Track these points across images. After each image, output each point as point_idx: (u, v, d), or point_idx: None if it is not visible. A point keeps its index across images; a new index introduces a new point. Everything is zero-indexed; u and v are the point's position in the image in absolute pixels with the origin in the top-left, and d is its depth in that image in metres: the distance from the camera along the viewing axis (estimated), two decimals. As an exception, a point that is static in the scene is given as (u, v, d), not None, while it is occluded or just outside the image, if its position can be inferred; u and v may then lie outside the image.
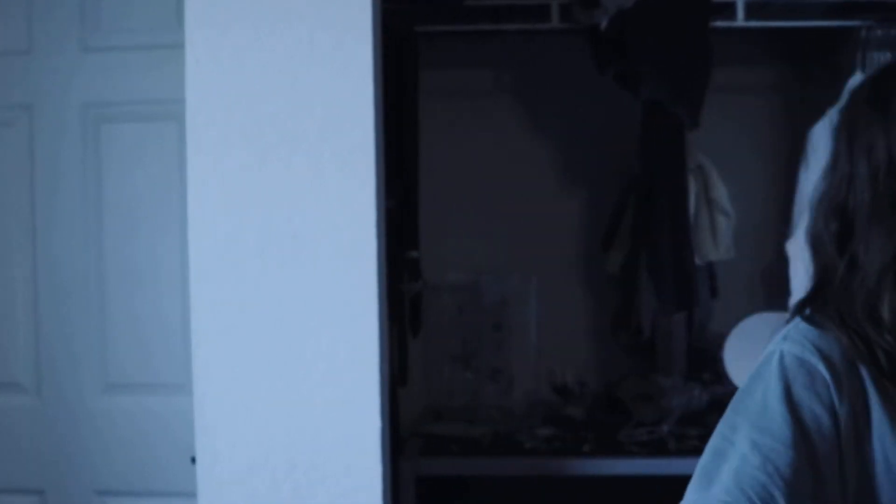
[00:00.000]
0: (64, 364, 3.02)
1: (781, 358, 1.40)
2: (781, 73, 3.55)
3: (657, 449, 2.97)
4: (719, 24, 3.13)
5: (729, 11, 3.15)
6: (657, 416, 3.11)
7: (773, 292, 3.45)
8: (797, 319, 1.44)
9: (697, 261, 3.29)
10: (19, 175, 3.03)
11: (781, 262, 3.37)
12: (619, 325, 3.49)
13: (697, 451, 2.98)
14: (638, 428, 3.07)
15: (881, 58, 3.12)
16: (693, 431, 3.03)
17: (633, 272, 3.34)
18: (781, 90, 3.55)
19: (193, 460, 2.48)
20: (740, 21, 3.15)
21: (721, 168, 3.40)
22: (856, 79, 3.11)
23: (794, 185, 3.32)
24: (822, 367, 1.36)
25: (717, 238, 3.39)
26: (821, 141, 3.21)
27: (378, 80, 2.42)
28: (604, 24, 3.05)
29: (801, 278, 3.29)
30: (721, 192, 3.38)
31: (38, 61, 3.00)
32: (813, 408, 1.35)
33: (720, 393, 3.19)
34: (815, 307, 1.45)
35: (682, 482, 3.24)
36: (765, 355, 1.44)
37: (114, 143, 3.00)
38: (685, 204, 3.18)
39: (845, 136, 1.45)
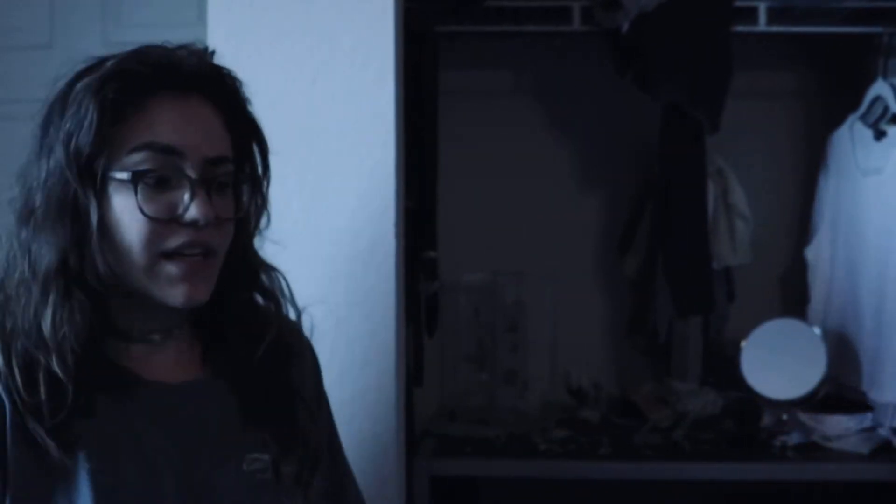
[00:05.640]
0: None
1: None
2: (802, 79, 3.54)
3: (672, 453, 2.96)
4: (740, 28, 3.12)
5: (750, 16, 3.13)
6: (672, 421, 3.10)
7: (790, 298, 3.45)
8: None
9: (714, 265, 3.28)
10: (38, 169, 3.04)
11: (800, 268, 3.36)
12: (635, 328, 3.49)
13: (712, 456, 3.01)
14: (653, 432, 3.06)
15: (903, 65, 3.12)
16: (708, 436, 3.02)
17: (650, 275, 3.33)
18: (802, 95, 3.54)
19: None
20: (762, 26, 3.13)
21: (740, 172, 3.39)
22: (877, 85, 3.10)
23: (814, 191, 3.32)
24: None
25: (735, 242, 3.38)
26: (841, 147, 3.20)
27: (399, 80, 2.41)
28: (625, 26, 3.04)
29: (820, 285, 3.29)
30: (740, 197, 3.37)
31: (59, 56, 2.99)
32: None
33: (736, 398, 3.18)
34: None
35: (696, 486, 3.24)
36: None
37: (133, 139, 3.00)
38: (703, 208, 3.17)
39: (39, 133, 1.39)
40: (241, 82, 1.46)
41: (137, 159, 1.32)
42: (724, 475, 2.94)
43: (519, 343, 3.43)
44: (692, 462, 2.92)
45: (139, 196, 1.31)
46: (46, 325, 1.29)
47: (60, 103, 1.37)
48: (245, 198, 1.43)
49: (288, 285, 1.56)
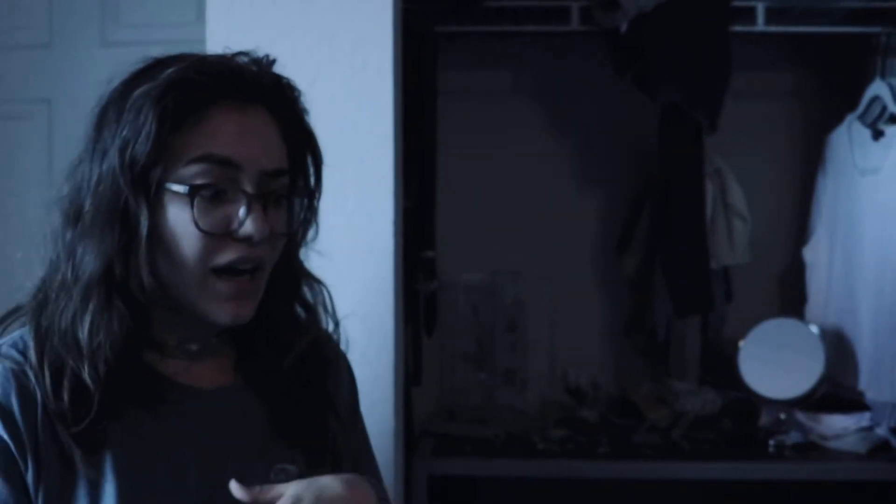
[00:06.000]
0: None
1: None
2: (800, 79, 3.54)
3: (670, 452, 2.96)
4: (739, 28, 3.12)
5: (749, 16, 3.14)
6: (670, 420, 3.11)
7: (788, 298, 3.45)
8: None
9: (713, 265, 3.29)
10: (37, 169, 3.04)
11: (798, 268, 3.37)
12: (633, 327, 3.49)
13: (710, 455, 3.02)
14: (651, 431, 3.06)
15: (901, 65, 3.13)
16: (706, 435, 3.03)
17: (649, 275, 3.34)
18: (800, 95, 3.54)
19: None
20: (760, 26, 3.14)
21: (738, 172, 3.39)
22: (875, 85, 3.10)
23: (812, 191, 3.32)
24: None
25: (733, 242, 3.38)
26: (839, 147, 3.21)
27: (398, 80, 2.42)
28: (623, 26, 3.05)
29: (818, 285, 3.29)
30: (738, 197, 3.37)
31: (58, 56, 3.01)
32: None
33: (733, 397, 3.19)
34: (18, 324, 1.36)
35: (695, 486, 3.24)
36: None
37: (132, 139, 3.00)
38: (702, 208, 3.17)
39: (92, 133, 1.36)
40: (299, 92, 1.44)
41: (194, 171, 1.29)
42: (723, 474, 2.94)
43: (517, 343, 3.44)
44: (691, 461, 2.92)
45: (195, 210, 1.28)
46: (83, 332, 1.28)
47: (116, 106, 1.33)
48: (298, 211, 1.40)
49: (330, 297, 1.53)
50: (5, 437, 1.27)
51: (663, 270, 3.20)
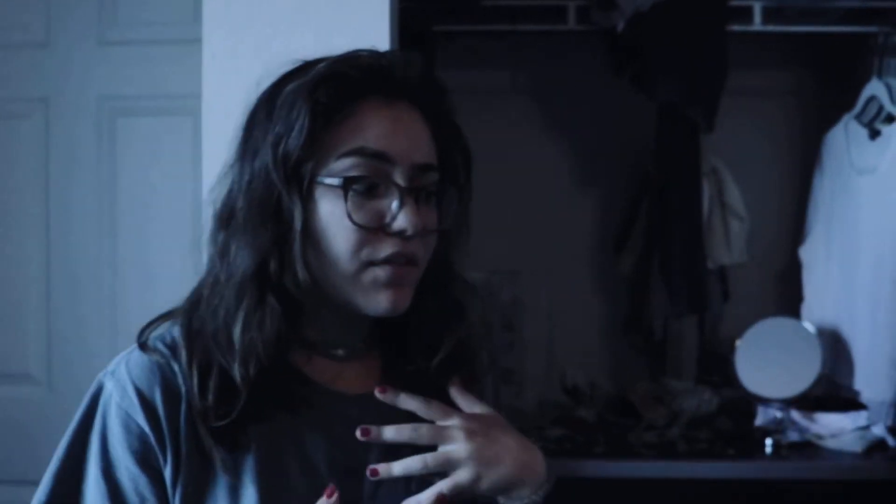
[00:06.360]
0: (76, 356, 3.03)
1: (105, 403, 1.30)
2: (798, 78, 3.54)
3: (667, 451, 2.97)
4: (736, 28, 3.13)
5: (746, 15, 3.14)
6: (667, 419, 3.11)
7: (785, 297, 3.45)
8: (131, 346, 1.34)
9: (709, 264, 3.29)
10: (34, 168, 3.04)
11: (794, 267, 3.37)
12: (630, 327, 3.50)
13: (707, 455, 3.01)
14: (648, 430, 3.07)
15: (898, 64, 3.13)
16: (703, 434, 3.03)
17: (645, 274, 3.34)
18: (797, 95, 3.54)
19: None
20: (757, 25, 3.15)
21: (735, 172, 3.39)
22: (872, 85, 3.10)
23: (809, 190, 3.32)
24: (140, 417, 1.27)
25: (730, 242, 3.38)
26: (836, 146, 3.21)
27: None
28: (620, 26, 3.05)
29: (815, 284, 3.30)
30: (735, 196, 3.37)
31: (56, 54, 3.01)
32: (130, 467, 1.27)
33: (730, 396, 3.19)
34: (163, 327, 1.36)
35: (691, 485, 3.24)
36: (90, 389, 1.33)
37: (129, 137, 3.00)
38: (698, 207, 3.18)
39: (241, 136, 1.35)
40: (447, 91, 1.42)
41: (346, 165, 1.27)
42: (720, 473, 2.94)
43: (515, 342, 3.44)
44: (688, 460, 2.92)
45: (349, 203, 1.27)
46: (236, 329, 1.27)
47: (266, 106, 1.32)
48: (448, 208, 1.38)
49: (482, 301, 1.51)
50: (147, 429, 1.27)
51: (660, 270, 3.20)
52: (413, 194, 1.31)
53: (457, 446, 1.30)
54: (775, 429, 3.02)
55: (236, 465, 1.28)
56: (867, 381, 3.05)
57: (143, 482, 1.27)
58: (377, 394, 1.32)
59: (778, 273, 3.53)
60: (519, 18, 3.21)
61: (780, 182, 3.56)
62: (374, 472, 1.28)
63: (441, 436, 1.30)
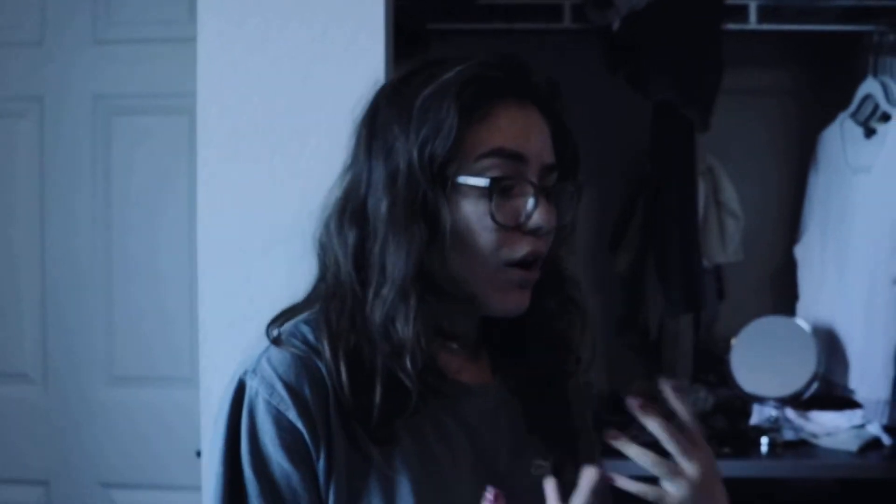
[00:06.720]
0: (71, 356, 3.03)
1: (251, 401, 1.30)
2: (793, 77, 3.54)
3: (662, 450, 2.96)
4: (731, 26, 3.13)
5: (741, 14, 3.14)
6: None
7: (780, 296, 3.45)
8: (266, 344, 1.35)
9: (705, 263, 3.29)
10: (29, 166, 3.04)
11: (790, 266, 3.37)
12: (626, 325, 3.49)
13: (703, 454, 2.96)
14: (643, 429, 3.06)
15: (894, 62, 3.12)
16: (698, 433, 3.03)
17: (641, 273, 3.34)
18: (793, 93, 3.54)
19: (199, 454, 2.49)
20: (753, 24, 3.15)
21: (731, 170, 3.39)
22: (867, 83, 3.11)
23: (804, 189, 3.32)
24: (292, 413, 1.28)
25: (726, 240, 3.38)
26: (831, 145, 3.21)
27: (390, 77, 2.41)
28: (616, 24, 3.05)
29: (810, 283, 3.30)
30: (730, 195, 3.37)
31: (51, 53, 3.01)
32: (282, 464, 1.28)
33: (726, 395, 3.19)
34: (293, 322, 1.38)
35: (686, 484, 3.19)
36: (230, 390, 1.33)
37: (124, 136, 3.00)
38: (694, 206, 3.18)
39: (364, 135, 1.38)
40: (561, 93, 1.45)
41: (486, 165, 1.31)
42: (715, 472, 2.94)
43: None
44: (682, 459, 2.92)
45: (493, 203, 1.30)
46: (404, 328, 1.29)
47: (394, 107, 1.35)
48: (567, 206, 1.41)
49: (584, 298, 1.53)
50: (299, 425, 1.27)
51: (656, 269, 3.20)
52: (543, 193, 1.34)
53: (677, 492, 1.35)
54: (771, 427, 3.02)
55: (389, 458, 1.30)
56: (862, 380, 3.06)
57: (295, 478, 1.27)
58: (610, 440, 1.37)
59: (773, 272, 3.53)
60: (514, 17, 3.21)
61: (776, 181, 3.56)
62: (614, 437, 1.36)
63: (672, 473, 1.37)
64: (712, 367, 3.34)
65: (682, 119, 3.05)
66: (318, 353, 1.31)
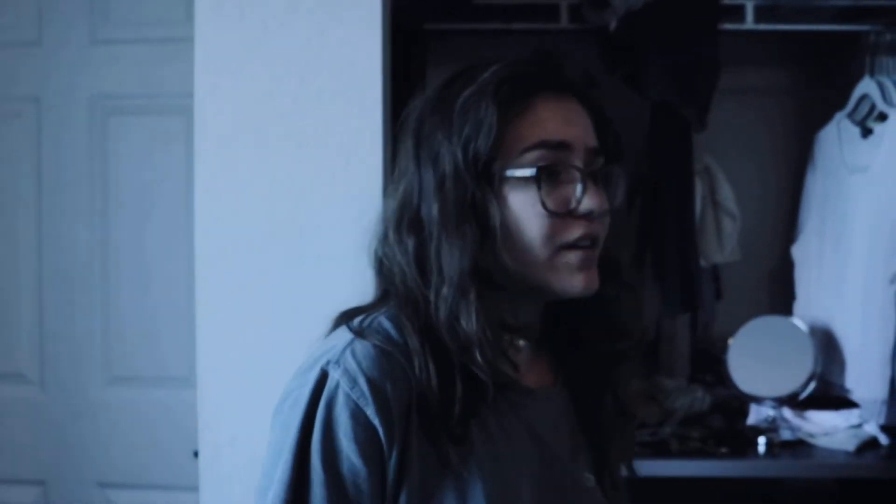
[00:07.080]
0: (68, 356, 3.03)
1: (331, 392, 1.30)
2: (790, 77, 3.54)
3: (659, 450, 2.96)
4: (728, 26, 3.13)
5: (738, 14, 3.14)
6: (660, 418, 3.11)
7: (777, 296, 3.45)
8: (350, 336, 1.35)
9: (702, 263, 3.29)
10: (27, 166, 3.04)
11: (787, 266, 3.37)
12: (623, 325, 3.49)
13: (699, 453, 3.01)
14: (640, 429, 3.06)
15: (890, 62, 3.12)
16: (695, 433, 3.03)
17: (638, 273, 3.33)
18: (789, 93, 3.54)
19: (196, 454, 2.49)
20: (749, 24, 3.15)
21: (727, 170, 3.39)
22: (864, 83, 3.11)
23: (801, 189, 3.32)
24: (370, 409, 1.27)
25: (723, 240, 3.38)
26: (828, 145, 3.21)
27: (387, 77, 2.42)
28: (613, 24, 3.05)
29: (807, 283, 3.30)
30: (727, 195, 3.37)
31: (47, 53, 3.01)
32: (352, 459, 1.27)
33: (723, 395, 3.19)
34: (373, 318, 1.38)
35: (684, 483, 3.23)
36: (310, 379, 1.32)
37: (121, 136, 3.00)
38: (691, 205, 3.18)
39: (412, 145, 1.40)
40: (599, 84, 1.49)
41: (532, 157, 1.34)
42: (712, 472, 2.94)
43: (507, 340, 3.43)
44: (680, 459, 2.92)
45: (542, 191, 1.33)
46: (465, 323, 1.31)
47: (438, 113, 1.38)
48: (614, 191, 1.44)
49: (638, 289, 1.57)
50: (376, 422, 1.27)
51: (653, 268, 3.20)
52: (591, 178, 1.37)
53: None
54: (768, 427, 3.02)
55: (464, 459, 1.30)
56: (859, 380, 3.06)
57: (362, 476, 1.27)
58: None
59: (770, 272, 3.53)
60: (511, 17, 3.20)
61: (773, 181, 3.56)
62: None
63: None
64: (709, 366, 3.34)
65: (678, 119, 3.05)
66: (402, 350, 1.32)
